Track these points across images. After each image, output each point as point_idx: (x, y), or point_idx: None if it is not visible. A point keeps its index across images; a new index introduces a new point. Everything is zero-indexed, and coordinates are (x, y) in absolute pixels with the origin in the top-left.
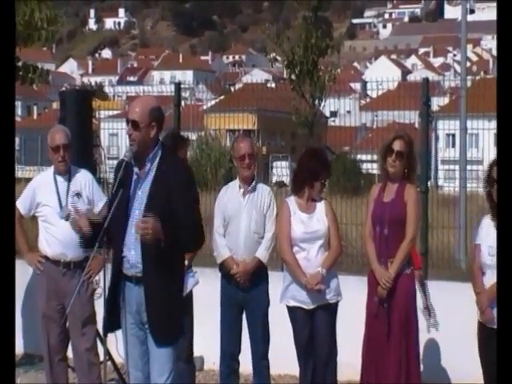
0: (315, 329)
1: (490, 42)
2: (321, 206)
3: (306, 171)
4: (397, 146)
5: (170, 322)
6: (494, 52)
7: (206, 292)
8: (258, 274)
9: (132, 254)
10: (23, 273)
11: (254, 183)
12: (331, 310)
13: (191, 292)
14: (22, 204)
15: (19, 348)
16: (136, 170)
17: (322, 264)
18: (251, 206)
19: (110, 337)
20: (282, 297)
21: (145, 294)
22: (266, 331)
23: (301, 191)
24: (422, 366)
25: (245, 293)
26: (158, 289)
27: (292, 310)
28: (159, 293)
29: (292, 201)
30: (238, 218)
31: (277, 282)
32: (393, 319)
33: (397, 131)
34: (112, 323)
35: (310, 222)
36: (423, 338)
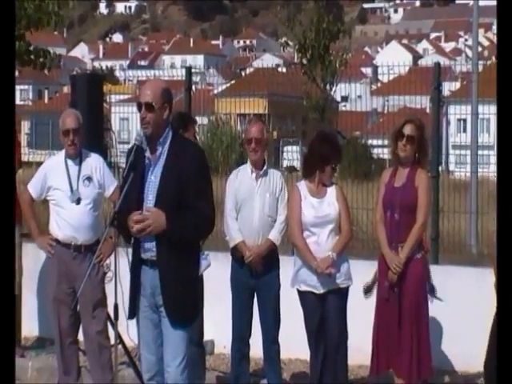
0: (326, 313)
1: None
2: (332, 191)
3: (316, 155)
4: (407, 130)
5: (186, 303)
6: None
7: (217, 276)
8: (270, 259)
9: (147, 238)
10: (35, 256)
11: (265, 167)
12: (342, 294)
13: (202, 275)
14: (33, 188)
15: (33, 332)
16: (148, 154)
17: (333, 248)
18: (264, 189)
19: (121, 320)
20: (293, 281)
21: (160, 277)
22: (277, 316)
23: (311, 176)
24: (433, 349)
25: (257, 278)
26: (173, 271)
27: (303, 295)
28: (174, 275)
29: (303, 185)
30: (251, 201)
31: (288, 267)
32: (404, 304)
33: (407, 116)
34: (135, 308)
35: (321, 207)
36: (432, 322)
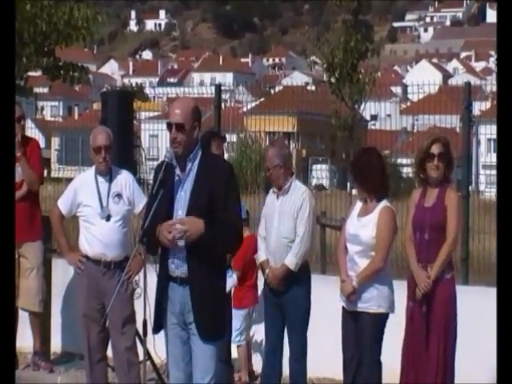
0: (358, 333)
1: None
2: (376, 213)
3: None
4: (436, 149)
5: (216, 320)
6: None
7: None
8: (296, 277)
9: (177, 255)
10: (64, 272)
11: (287, 185)
12: (372, 318)
13: (229, 292)
14: (63, 204)
15: (62, 347)
16: (177, 171)
17: (358, 274)
18: (283, 209)
19: (150, 337)
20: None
21: (191, 294)
22: (303, 335)
23: None
24: (461, 370)
25: (280, 296)
26: (204, 287)
27: (342, 308)
28: (205, 291)
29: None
30: (271, 221)
31: (316, 285)
32: (432, 325)
33: (431, 135)
34: (160, 324)
35: (357, 226)
36: (463, 342)
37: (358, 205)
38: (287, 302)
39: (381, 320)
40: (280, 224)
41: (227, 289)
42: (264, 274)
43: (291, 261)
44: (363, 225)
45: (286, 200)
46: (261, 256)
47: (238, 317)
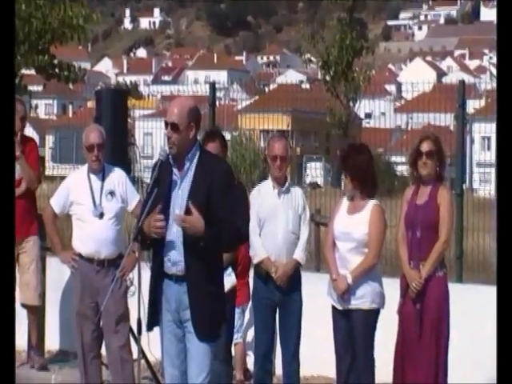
0: (350, 331)
1: None
2: (368, 210)
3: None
4: (425, 146)
5: (213, 318)
6: None
7: None
8: (295, 275)
9: (173, 252)
10: (59, 271)
11: (287, 184)
12: (365, 315)
13: (229, 291)
14: (55, 202)
15: (57, 345)
16: (175, 170)
17: (352, 271)
18: (287, 206)
19: (144, 335)
20: (327, 292)
21: (188, 291)
22: (299, 335)
23: None
24: (454, 368)
25: (282, 294)
26: (201, 285)
27: (332, 307)
28: (202, 289)
29: (346, 199)
30: (275, 218)
31: (310, 283)
32: (424, 322)
33: (422, 133)
34: (154, 321)
35: (348, 223)
36: (455, 341)
37: (345, 202)
38: (287, 300)
39: (374, 316)
40: (287, 220)
41: (226, 288)
42: (270, 271)
43: (300, 256)
44: (355, 222)
45: (289, 198)
46: (261, 253)
47: None
